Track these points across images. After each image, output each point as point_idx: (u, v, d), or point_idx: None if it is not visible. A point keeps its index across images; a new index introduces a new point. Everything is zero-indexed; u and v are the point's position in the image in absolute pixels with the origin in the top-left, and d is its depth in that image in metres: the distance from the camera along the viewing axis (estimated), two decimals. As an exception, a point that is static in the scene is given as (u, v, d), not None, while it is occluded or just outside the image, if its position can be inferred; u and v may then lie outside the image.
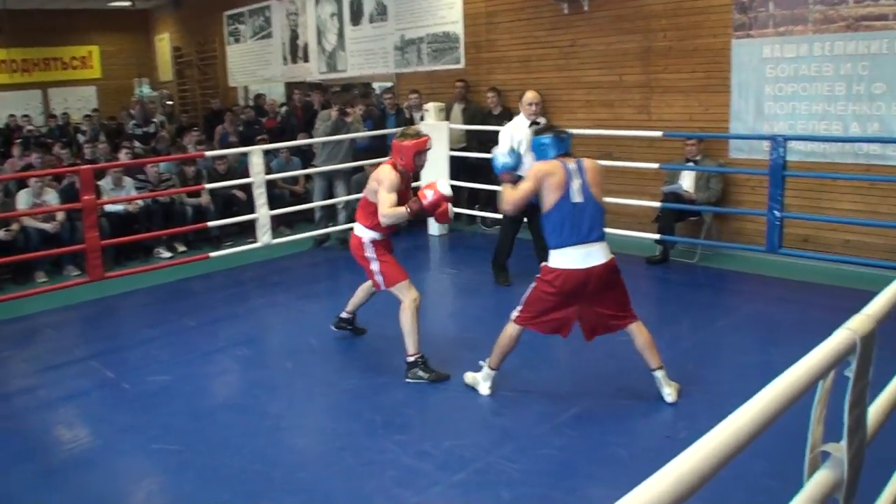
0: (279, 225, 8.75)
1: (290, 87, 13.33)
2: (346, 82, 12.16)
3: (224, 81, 15.50)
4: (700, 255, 7.25)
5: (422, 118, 9.17)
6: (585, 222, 4.03)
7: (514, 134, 6.33)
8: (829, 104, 6.67)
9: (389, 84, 11.28)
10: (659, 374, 4.19)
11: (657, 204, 7.22)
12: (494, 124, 8.81)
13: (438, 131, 8.55)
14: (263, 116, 12.24)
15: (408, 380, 4.66)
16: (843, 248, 6.69)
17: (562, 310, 4.15)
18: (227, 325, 6.07)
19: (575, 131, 7.43)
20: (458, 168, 8.81)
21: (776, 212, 6.20)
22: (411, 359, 4.68)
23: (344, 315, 5.47)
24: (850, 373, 1.60)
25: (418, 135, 4.81)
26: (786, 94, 6.93)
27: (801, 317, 5.62)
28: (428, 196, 4.52)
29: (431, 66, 10.37)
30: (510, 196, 4.24)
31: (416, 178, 5.27)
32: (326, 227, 8.52)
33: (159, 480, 3.70)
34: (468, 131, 9.19)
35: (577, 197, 4.04)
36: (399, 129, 5.04)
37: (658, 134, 7.41)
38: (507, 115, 8.79)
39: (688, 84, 7.65)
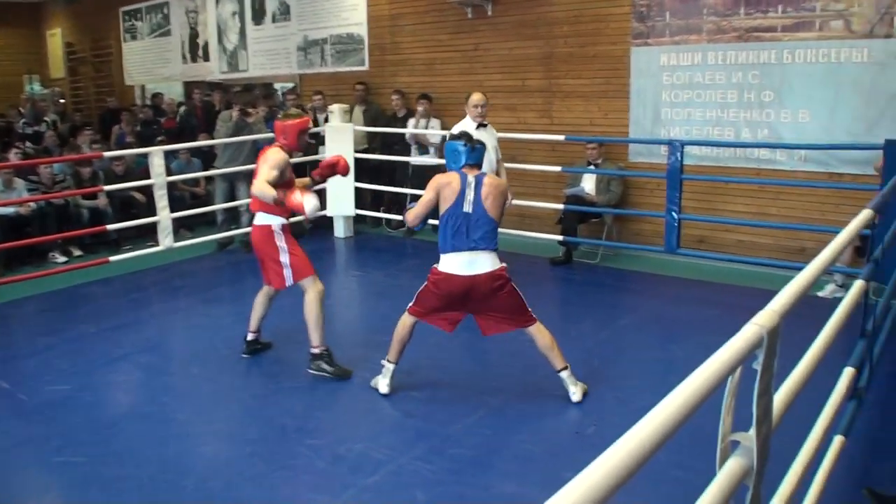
0: (180, 228, 8.55)
1: (190, 86, 13.02)
2: (248, 82, 11.97)
3: (120, 79, 15.00)
4: (602, 256, 7.45)
5: (326, 120, 9.11)
6: (473, 232, 4.14)
7: None
8: (723, 111, 6.97)
9: (291, 85, 11.17)
10: (564, 374, 4.27)
11: (560, 206, 7.39)
12: (399, 127, 8.86)
13: (343, 133, 8.53)
14: (162, 116, 11.93)
15: (310, 370, 4.70)
16: (736, 248, 6.99)
17: (448, 311, 4.28)
18: (129, 331, 5.88)
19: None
20: (362, 170, 8.80)
21: (674, 213, 6.43)
22: (316, 350, 4.70)
23: (250, 337, 5.18)
24: (758, 365, 1.69)
25: (300, 115, 4.91)
26: (682, 100, 7.20)
27: (698, 314, 5.85)
28: (295, 200, 4.49)
29: (335, 67, 10.32)
30: (413, 212, 4.36)
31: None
32: (229, 229, 8.36)
33: (64, 495, 3.57)
34: (370, 133, 9.19)
35: (466, 206, 4.16)
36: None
37: (560, 138, 7.59)
38: (411, 117, 8.84)
39: (588, 89, 7.86)
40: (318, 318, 4.66)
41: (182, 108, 12.11)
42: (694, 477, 3.17)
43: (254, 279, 7.46)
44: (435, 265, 4.24)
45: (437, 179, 4.26)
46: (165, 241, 7.43)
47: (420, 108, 8.55)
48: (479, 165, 4.32)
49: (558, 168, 7.52)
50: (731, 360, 1.52)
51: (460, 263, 4.12)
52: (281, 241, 4.68)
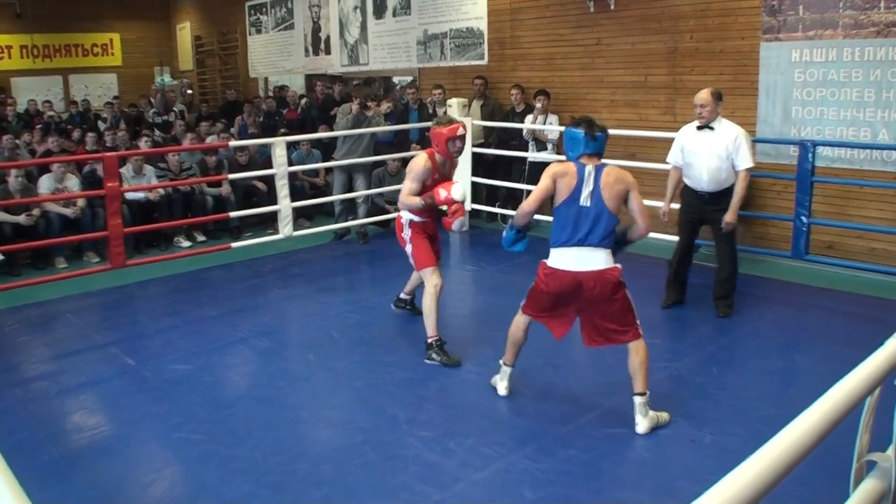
0: (299, 217, 8.75)
1: (311, 79, 13.32)
2: (368, 76, 12.14)
3: (245, 72, 15.51)
4: (722, 259, 7.19)
5: (444, 114, 9.14)
6: (586, 226, 3.89)
7: (679, 138, 5.85)
8: (858, 110, 6.61)
9: (410, 78, 11.26)
10: (639, 399, 3.96)
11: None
12: (517, 122, 8.80)
13: (461, 127, 8.52)
14: (285, 108, 12.24)
15: (426, 360, 4.88)
16: (868, 256, 6.62)
17: (557, 309, 4.06)
18: (247, 315, 6.06)
19: (599, 131, 7.37)
20: (478, 165, 8.80)
21: (803, 217, 6.15)
22: (429, 340, 4.89)
23: (403, 295, 5.83)
24: (902, 383, 1.58)
25: (450, 122, 5.00)
26: (814, 98, 6.87)
27: (824, 323, 5.57)
28: (440, 195, 4.77)
29: (454, 61, 10.33)
30: (527, 201, 4.11)
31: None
32: (346, 220, 8.49)
33: (181, 470, 3.70)
34: (487, 128, 9.17)
35: (585, 201, 3.92)
36: (429, 122, 5.22)
37: (683, 135, 7.35)
38: (530, 113, 8.77)
39: (714, 86, 7.57)
40: (432, 309, 4.86)
41: (303, 100, 12.40)
42: (816, 493, 3.03)
43: (369, 270, 7.63)
44: (544, 260, 4.07)
45: (553, 168, 4.02)
46: (285, 229, 7.63)
47: (538, 105, 8.46)
48: (599, 155, 4.05)
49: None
50: (874, 376, 1.42)
51: (567, 259, 3.92)
52: (406, 233, 5.04)
